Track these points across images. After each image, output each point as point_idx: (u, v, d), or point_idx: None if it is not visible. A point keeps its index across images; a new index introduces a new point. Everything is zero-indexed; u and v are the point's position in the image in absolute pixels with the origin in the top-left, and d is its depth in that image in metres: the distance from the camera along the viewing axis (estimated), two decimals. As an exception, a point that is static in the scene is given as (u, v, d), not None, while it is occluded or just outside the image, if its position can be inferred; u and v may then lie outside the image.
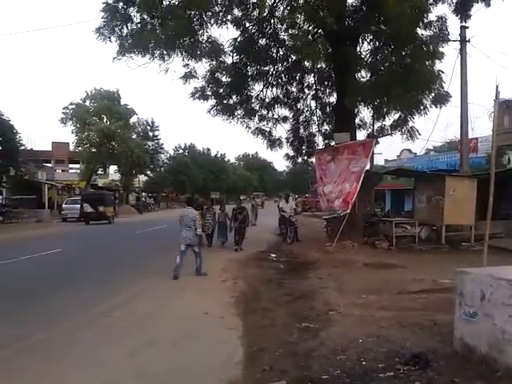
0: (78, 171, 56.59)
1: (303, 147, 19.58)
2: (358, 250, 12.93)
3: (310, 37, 14.75)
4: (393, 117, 16.39)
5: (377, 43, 14.79)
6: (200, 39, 14.95)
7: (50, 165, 54.65)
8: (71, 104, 49.29)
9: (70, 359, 5.04)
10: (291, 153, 19.80)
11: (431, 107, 14.96)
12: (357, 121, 18.03)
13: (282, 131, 19.63)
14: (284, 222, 16.84)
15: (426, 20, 13.52)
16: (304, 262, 11.57)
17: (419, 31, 13.40)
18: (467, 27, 16.04)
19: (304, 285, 8.60)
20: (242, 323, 6.34)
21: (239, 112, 18.30)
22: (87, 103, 50.58)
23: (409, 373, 3.93)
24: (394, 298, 6.94)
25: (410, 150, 35.49)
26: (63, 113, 48.97)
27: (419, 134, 16.30)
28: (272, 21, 16.27)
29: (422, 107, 14.74)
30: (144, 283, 9.43)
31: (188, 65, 15.73)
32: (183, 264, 9.81)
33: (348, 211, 13.34)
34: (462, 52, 16.07)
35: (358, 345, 4.76)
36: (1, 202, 34.17)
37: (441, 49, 13.60)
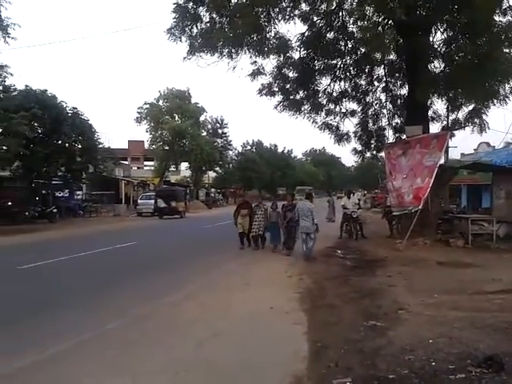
0: (152, 168, 59.10)
1: (372, 141, 19.15)
2: (430, 247, 12.42)
3: (379, 28, 14.34)
4: (468, 108, 15.63)
5: (451, 32, 14.09)
6: (267, 36, 14.99)
7: (126, 162, 57.43)
8: (145, 104, 51.64)
9: (141, 347, 5.28)
10: (359, 147, 19.46)
11: (512, 98, 14.06)
12: (430, 113, 17.40)
13: (349, 125, 19.38)
14: (347, 219, 16.55)
15: (504, 6, 12.71)
16: (372, 260, 11.29)
17: (496, 18, 12.62)
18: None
19: (372, 282, 8.40)
20: (307, 319, 6.29)
21: (306, 107, 18.21)
22: (160, 103, 52.68)
23: (481, 375, 3.75)
24: (469, 299, 6.62)
25: (488, 144, 33.36)
26: (138, 112, 51.49)
27: (488, 128, 15.44)
28: (340, 13, 16.01)
29: (500, 97, 13.89)
30: (211, 276, 9.71)
31: (256, 62, 15.83)
32: (306, 249, 11.73)
33: (420, 207, 12.84)
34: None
35: (427, 345, 4.60)
36: (81, 198, 36.42)
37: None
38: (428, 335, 4.89)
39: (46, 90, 27.18)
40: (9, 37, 19.72)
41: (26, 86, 26.65)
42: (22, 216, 25.40)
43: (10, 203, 26.18)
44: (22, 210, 25.90)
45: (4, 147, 22.46)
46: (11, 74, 20.83)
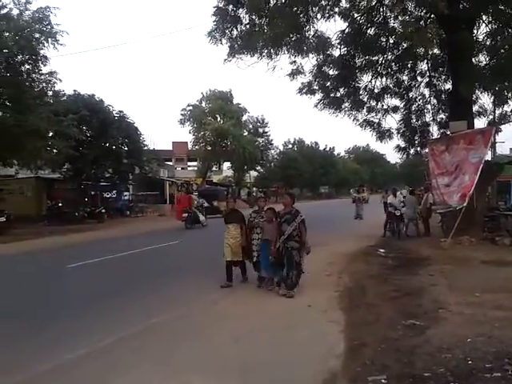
0: (196, 168, 60.10)
1: (416, 138, 18.68)
2: (475, 246, 12.01)
3: (421, 22, 14.03)
4: (516, 102, 15.01)
5: (495, 25, 13.59)
6: (306, 35, 14.97)
7: (170, 163, 58.68)
8: (189, 105, 52.60)
9: (185, 340, 5.52)
10: (402, 144, 19.02)
11: None
12: (476, 108, 16.83)
13: (391, 122, 18.94)
14: (391, 217, 16.25)
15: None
16: (414, 258, 11.07)
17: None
18: None
19: (413, 281, 8.27)
20: (344, 317, 6.31)
21: (346, 104, 17.97)
22: (203, 104, 53.50)
23: (518, 375, 3.70)
24: (511, 297, 6.43)
25: (540, 138, 31.84)
26: (182, 114, 52.50)
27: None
28: (381, 9, 15.74)
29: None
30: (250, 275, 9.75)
31: (295, 62, 15.78)
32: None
33: (465, 205, 12.46)
34: None
35: (465, 344, 4.55)
36: (128, 198, 37.55)
37: None
38: (467, 334, 4.83)
39: (94, 95, 28.26)
40: (58, 43, 20.47)
41: (75, 90, 27.85)
42: (72, 216, 26.42)
43: (60, 204, 27.38)
44: (72, 211, 26.95)
45: (55, 150, 23.50)
46: (60, 80, 21.69)
